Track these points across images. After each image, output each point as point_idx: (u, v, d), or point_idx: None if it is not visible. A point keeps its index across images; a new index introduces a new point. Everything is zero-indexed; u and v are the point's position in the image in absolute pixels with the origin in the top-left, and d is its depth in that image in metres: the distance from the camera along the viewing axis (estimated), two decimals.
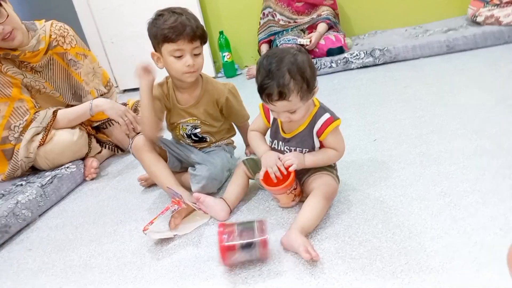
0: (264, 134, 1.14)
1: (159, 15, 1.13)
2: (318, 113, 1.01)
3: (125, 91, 3.04)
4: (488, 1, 2.29)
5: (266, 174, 1.02)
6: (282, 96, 0.91)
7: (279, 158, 1.02)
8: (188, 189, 1.22)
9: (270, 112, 1.06)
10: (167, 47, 1.12)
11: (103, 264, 1.03)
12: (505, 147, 1.15)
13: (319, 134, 1.01)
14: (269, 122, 1.09)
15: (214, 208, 1.10)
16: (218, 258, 0.90)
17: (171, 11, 1.12)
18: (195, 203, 1.12)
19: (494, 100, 1.49)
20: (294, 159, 1.00)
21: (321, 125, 1.00)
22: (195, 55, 1.14)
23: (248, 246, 0.86)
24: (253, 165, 1.16)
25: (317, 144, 1.03)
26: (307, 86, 0.93)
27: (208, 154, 1.29)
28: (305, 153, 1.04)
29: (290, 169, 0.99)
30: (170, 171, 1.24)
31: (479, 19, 2.29)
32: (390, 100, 1.73)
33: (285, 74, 0.90)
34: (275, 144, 1.09)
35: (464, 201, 0.96)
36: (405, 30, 2.63)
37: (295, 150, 1.05)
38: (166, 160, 1.26)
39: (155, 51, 1.17)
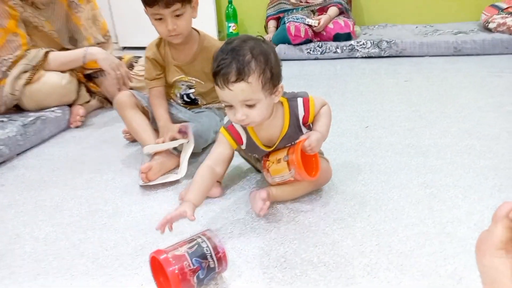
0: (228, 163, 0.96)
1: None
2: (292, 106, 0.91)
3: (124, 48, 2.97)
4: (503, 8, 2.25)
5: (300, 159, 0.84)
6: (241, 75, 0.77)
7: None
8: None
9: (240, 133, 0.92)
10: (148, 10, 1.09)
11: (74, 208, 1.01)
12: (493, 150, 1.15)
13: (306, 121, 0.92)
14: (238, 142, 0.92)
15: None
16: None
17: None
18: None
19: (492, 106, 1.48)
20: (316, 144, 0.87)
21: (304, 112, 0.91)
22: (177, 16, 1.09)
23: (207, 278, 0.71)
24: None
25: (304, 131, 0.93)
26: (271, 74, 0.80)
27: (197, 114, 1.26)
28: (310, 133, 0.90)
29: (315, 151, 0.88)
30: (152, 129, 1.22)
31: (491, 25, 2.26)
32: (388, 92, 1.71)
33: (247, 54, 0.78)
34: (261, 156, 0.97)
35: (445, 194, 0.95)
36: (416, 27, 2.59)
37: (265, 158, 0.94)
38: (148, 118, 1.24)
39: None
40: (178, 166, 1.15)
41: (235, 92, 0.79)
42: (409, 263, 0.75)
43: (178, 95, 1.28)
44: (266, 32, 2.64)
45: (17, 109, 1.51)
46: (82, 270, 0.80)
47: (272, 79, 0.82)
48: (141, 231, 0.90)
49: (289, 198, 0.97)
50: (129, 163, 1.23)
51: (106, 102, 1.72)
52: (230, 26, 2.75)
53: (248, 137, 0.92)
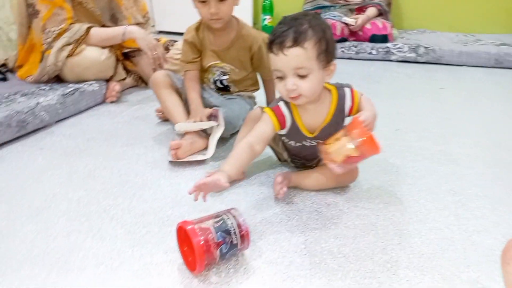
0: (266, 143, 0.93)
1: None
2: (340, 94, 0.91)
3: (160, 32, 3.03)
4: None
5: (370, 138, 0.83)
6: (297, 41, 0.79)
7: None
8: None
9: (285, 116, 0.90)
10: None
11: (106, 177, 1.06)
12: None
13: (351, 112, 0.92)
14: (282, 126, 0.91)
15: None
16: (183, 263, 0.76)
17: None
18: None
19: None
20: (371, 120, 0.87)
21: (351, 102, 0.91)
22: (221, 0, 1.12)
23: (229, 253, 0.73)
24: None
25: (345, 123, 0.93)
26: (326, 46, 0.81)
27: (228, 100, 1.29)
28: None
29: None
30: (184, 109, 1.26)
31: None
32: (421, 97, 1.68)
33: (304, 23, 0.80)
34: (298, 144, 0.96)
35: (473, 203, 0.94)
36: (456, 35, 2.51)
37: (322, 142, 0.91)
38: (182, 100, 1.27)
39: None
40: (206, 147, 1.18)
41: (290, 57, 0.79)
42: (431, 265, 0.75)
43: (212, 80, 1.30)
44: None
45: (58, 79, 1.58)
46: (111, 233, 0.84)
47: (327, 51, 0.82)
48: (168, 204, 0.94)
49: (312, 187, 0.98)
50: (160, 140, 1.27)
51: (141, 81, 1.77)
52: (265, 19, 2.75)
53: (293, 121, 0.91)
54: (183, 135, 1.19)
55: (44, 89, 1.48)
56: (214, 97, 1.29)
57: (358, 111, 0.90)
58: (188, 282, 0.71)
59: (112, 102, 1.60)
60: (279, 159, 1.12)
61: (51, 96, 1.40)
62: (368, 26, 2.34)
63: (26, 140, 1.28)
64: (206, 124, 1.18)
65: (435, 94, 1.72)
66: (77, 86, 1.51)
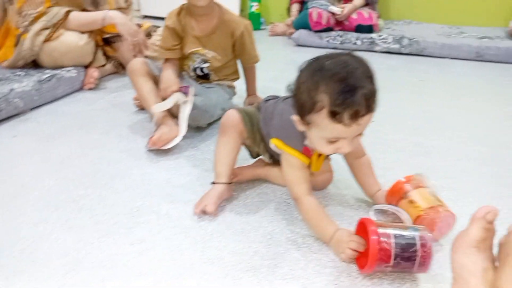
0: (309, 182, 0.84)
1: None
2: None
3: (146, 17, 2.97)
4: None
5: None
6: (369, 107, 0.68)
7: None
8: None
9: (311, 151, 0.82)
10: None
11: (78, 166, 1.06)
12: (498, 158, 1.14)
13: None
14: (309, 157, 0.83)
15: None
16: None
17: None
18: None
19: (505, 115, 1.46)
20: None
21: None
22: None
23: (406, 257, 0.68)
24: (249, 122, 0.91)
25: None
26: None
27: (207, 89, 1.28)
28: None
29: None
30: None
31: None
32: (402, 89, 1.70)
33: (364, 77, 0.68)
34: None
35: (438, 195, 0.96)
36: (441, 27, 2.53)
37: None
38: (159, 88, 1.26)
39: None
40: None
41: (362, 125, 0.69)
42: None
43: (192, 67, 1.29)
44: (288, 15, 2.61)
45: (35, 65, 1.55)
46: (79, 224, 0.84)
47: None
48: (139, 195, 0.94)
49: (283, 184, 0.96)
50: (136, 129, 1.26)
51: (121, 68, 1.75)
52: (252, 6, 2.72)
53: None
54: (159, 125, 1.19)
55: (19, 75, 1.45)
56: (193, 85, 1.28)
57: None
58: (152, 273, 0.72)
59: (90, 89, 1.58)
60: (252, 155, 1.05)
61: (26, 82, 1.38)
62: (354, 16, 2.33)
63: None
64: (176, 96, 1.16)
65: (416, 86, 1.74)
66: (54, 72, 1.49)
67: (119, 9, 1.68)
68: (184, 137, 1.19)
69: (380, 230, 0.69)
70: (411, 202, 0.82)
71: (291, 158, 0.81)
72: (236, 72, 1.38)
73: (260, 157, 1.00)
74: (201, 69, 1.29)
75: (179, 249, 0.77)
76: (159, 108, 1.16)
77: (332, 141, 0.72)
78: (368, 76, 0.69)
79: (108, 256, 0.76)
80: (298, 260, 0.75)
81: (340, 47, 2.29)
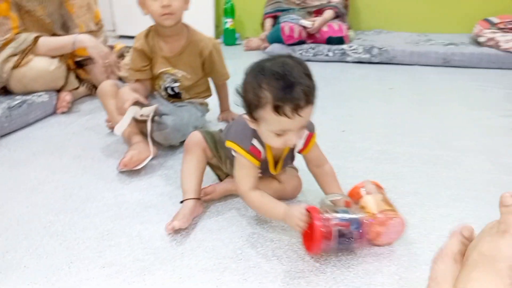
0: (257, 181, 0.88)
1: None
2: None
3: (121, 36, 2.99)
4: (494, 23, 2.28)
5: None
6: (308, 99, 0.74)
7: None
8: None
9: (261, 152, 0.86)
10: None
11: (49, 191, 1.05)
12: (460, 162, 1.19)
13: (301, 151, 0.92)
14: (259, 161, 0.87)
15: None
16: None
17: None
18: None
19: (471, 118, 1.52)
20: None
21: (303, 146, 0.90)
22: None
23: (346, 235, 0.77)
24: (211, 140, 0.96)
25: (295, 155, 0.96)
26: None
27: (178, 108, 1.30)
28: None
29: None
30: (132, 119, 1.25)
31: (481, 39, 2.29)
32: (372, 98, 1.75)
33: (302, 74, 0.74)
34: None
35: (403, 200, 0.99)
36: (410, 35, 2.62)
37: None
38: None
39: None
40: (155, 155, 1.19)
41: (304, 117, 0.75)
42: (356, 262, 0.80)
43: (163, 87, 1.31)
44: (262, 30, 2.67)
45: (5, 91, 1.54)
46: (48, 250, 0.84)
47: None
48: (110, 218, 0.94)
49: None
50: (109, 152, 1.26)
51: (95, 90, 1.74)
52: (227, 22, 2.77)
53: (265, 157, 0.88)
54: (131, 145, 1.20)
55: None
56: (164, 105, 1.30)
57: (308, 152, 0.92)
58: None
59: (63, 112, 1.58)
60: (220, 179, 1.06)
61: None
62: (325, 28, 2.40)
63: None
64: (131, 111, 1.14)
65: (385, 95, 1.80)
66: (24, 98, 1.48)
67: (90, 32, 1.69)
68: (157, 156, 1.21)
69: (323, 216, 0.77)
70: (363, 207, 0.85)
71: (240, 157, 0.86)
72: (208, 89, 1.40)
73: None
74: (172, 88, 1.31)
75: (149, 270, 0.78)
76: (119, 129, 1.15)
77: (279, 134, 0.78)
78: (306, 73, 0.76)
79: (79, 281, 0.75)
80: (268, 273, 0.77)
81: (313, 59, 2.35)
